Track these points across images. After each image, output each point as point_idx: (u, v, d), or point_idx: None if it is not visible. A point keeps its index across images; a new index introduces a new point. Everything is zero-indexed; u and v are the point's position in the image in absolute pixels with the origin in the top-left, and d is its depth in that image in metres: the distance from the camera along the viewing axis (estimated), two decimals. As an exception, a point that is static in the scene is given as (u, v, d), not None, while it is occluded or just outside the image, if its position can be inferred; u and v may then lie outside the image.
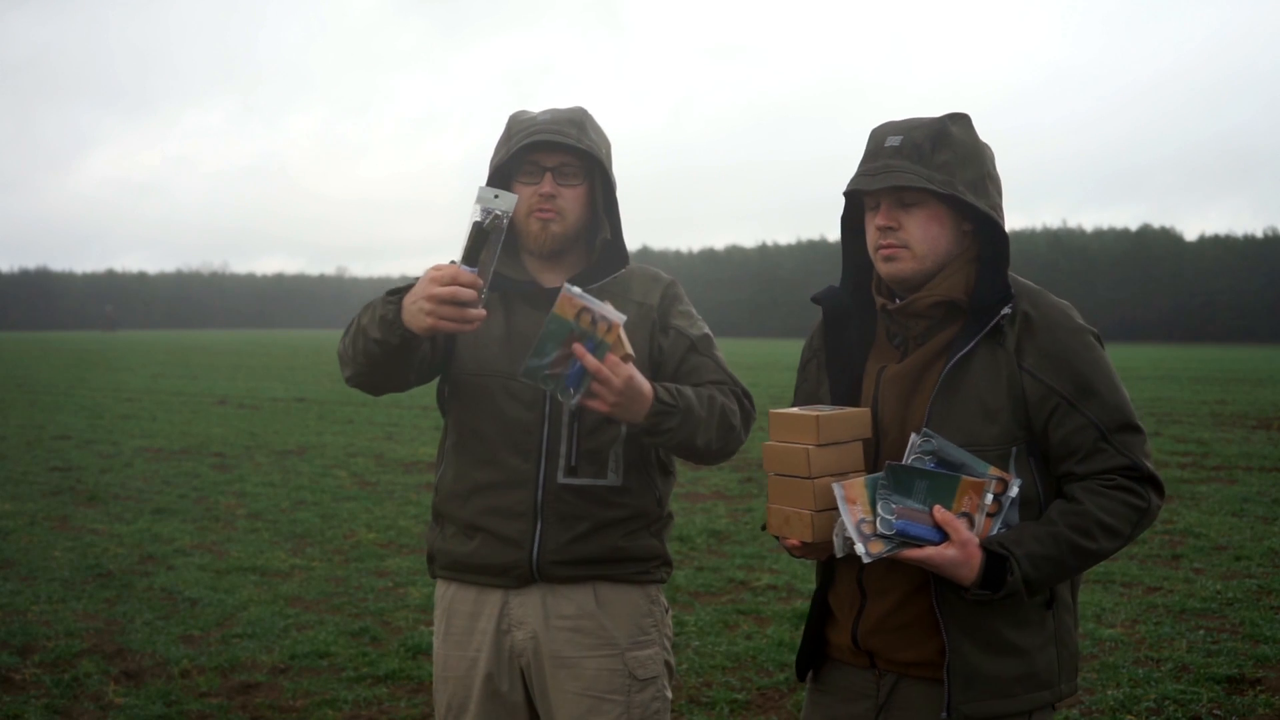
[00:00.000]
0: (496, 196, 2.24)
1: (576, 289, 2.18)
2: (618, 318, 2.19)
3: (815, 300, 2.36)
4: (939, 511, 2.02)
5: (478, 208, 2.24)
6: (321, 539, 8.15)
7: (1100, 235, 69.02)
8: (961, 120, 2.18)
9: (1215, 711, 4.60)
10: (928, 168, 2.13)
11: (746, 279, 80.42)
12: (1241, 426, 14.75)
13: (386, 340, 2.35)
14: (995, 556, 2.03)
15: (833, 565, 2.26)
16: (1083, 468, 2.12)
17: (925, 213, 2.16)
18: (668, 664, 2.61)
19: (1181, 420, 15.57)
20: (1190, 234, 71.61)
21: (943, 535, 2.02)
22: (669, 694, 2.59)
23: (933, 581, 2.11)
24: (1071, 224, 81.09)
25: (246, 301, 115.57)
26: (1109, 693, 4.80)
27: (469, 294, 2.23)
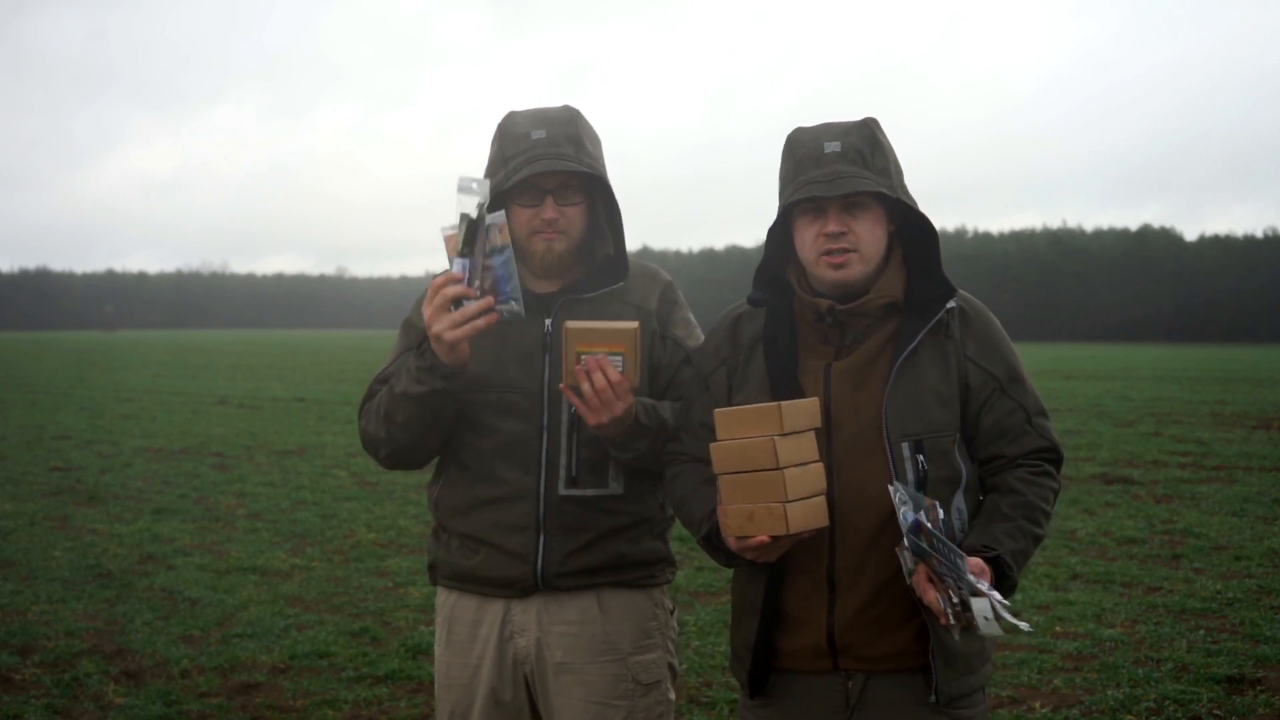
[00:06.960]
0: (475, 185, 2.25)
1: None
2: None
3: (755, 304, 2.37)
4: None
5: (463, 198, 2.24)
6: (321, 539, 8.15)
7: (1100, 235, 68.77)
8: (878, 125, 2.25)
9: (1215, 711, 4.60)
10: (872, 172, 2.18)
11: (746, 279, 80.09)
12: (1241, 426, 14.73)
13: (432, 390, 2.35)
14: (996, 560, 2.09)
15: (783, 565, 2.22)
16: (1012, 449, 2.23)
17: (870, 216, 2.23)
18: (671, 667, 2.58)
19: (1181, 420, 15.55)
20: (1190, 234, 71.43)
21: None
22: (672, 696, 2.57)
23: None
24: (1071, 224, 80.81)
25: (246, 301, 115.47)
26: (1109, 693, 4.80)
27: (458, 289, 2.26)
